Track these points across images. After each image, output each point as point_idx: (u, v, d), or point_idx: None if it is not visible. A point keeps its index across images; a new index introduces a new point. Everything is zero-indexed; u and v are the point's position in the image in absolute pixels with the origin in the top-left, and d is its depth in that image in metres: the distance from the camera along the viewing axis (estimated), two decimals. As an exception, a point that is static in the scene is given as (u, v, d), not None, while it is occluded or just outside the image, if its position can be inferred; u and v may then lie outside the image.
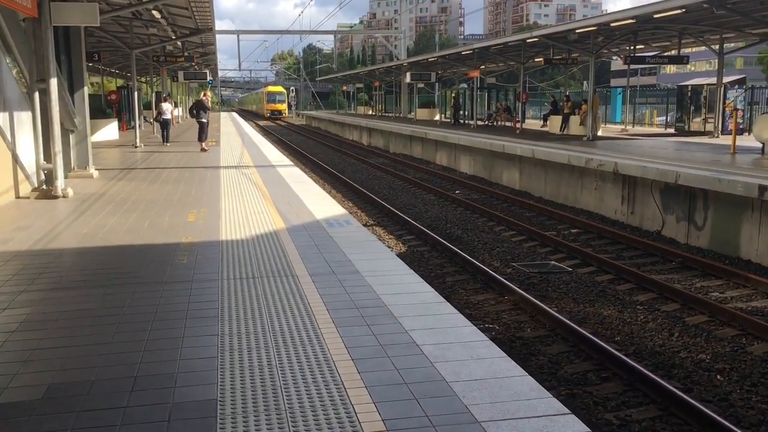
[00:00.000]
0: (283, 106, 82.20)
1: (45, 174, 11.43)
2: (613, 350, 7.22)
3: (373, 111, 60.96)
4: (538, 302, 8.91)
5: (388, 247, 12.39)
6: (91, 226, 8.60)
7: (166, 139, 23.57)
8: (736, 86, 25.17)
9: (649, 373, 6.66)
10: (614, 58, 39.35)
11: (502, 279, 10.03)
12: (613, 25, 19.57)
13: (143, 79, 47.98)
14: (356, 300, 5.29)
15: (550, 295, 9.77)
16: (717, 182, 11.93)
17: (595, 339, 7.56)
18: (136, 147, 21.51)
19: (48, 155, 11.35)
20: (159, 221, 8.95)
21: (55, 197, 10.95)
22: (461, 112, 39.20)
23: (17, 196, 10.99)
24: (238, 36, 51.34)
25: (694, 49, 27.21)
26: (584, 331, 7.82)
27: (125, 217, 9.29)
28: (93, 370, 3.96)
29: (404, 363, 4.00)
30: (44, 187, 11.30)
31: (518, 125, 29.35)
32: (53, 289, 5.72)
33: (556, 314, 8.42)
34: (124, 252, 7.16)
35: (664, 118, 32.68)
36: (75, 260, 6.81)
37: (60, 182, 11.10)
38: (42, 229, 8.42)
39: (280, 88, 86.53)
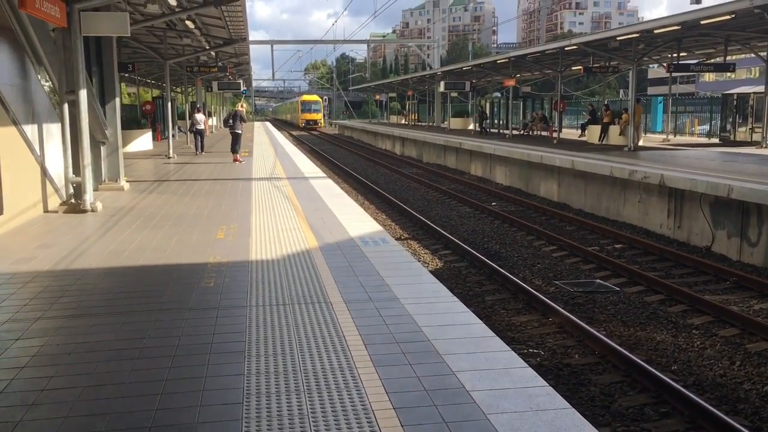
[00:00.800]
0: (319, 116, 79.30)
1: (74, 187, 11.21)
2: (672, 382, 6.62)
3: (405, 120, 60.60)
4: (586, 326, 8.34)
5: (424, 263, 11.92)
6: (117, 243, 8.29)
7: (201, 148, 23.93)
8: (785, 94, 24.13)
9: (714, 410, 6.06)
10: (653, 66, 38.43)
11: (546, 299, 9.47)
12: (656, 32, 18.87)
13: (178, 89, 48.35)
14: (396, 333, 4.82)
15: (598, 317, 9.19)
16: (774, 197, 11.22)
17: (651, 369, 6.97)
18: (169, 158, 21.40)
19: (77, 168, 11.13)
20: (187, 238, 8.61)
21: (84, 211, 10.71)
22: (486, 121, 38.55)
23: (45, 210, 10.78)
24: (272, 46, 51.41)
25: (733, 57, 26.23)
26: (638, 360, 7.24)
27: (153, 233, 8.97)
28: (104, 419, 3.55)
29: (453, 414, 3.51)
30: (73, 200, 11.08)
31: (555, 135, 28.65)
32: (71, 316, 5.36)
33: (606, 339, 7.85)
34: (150, 273, 6.81)
35: (706, 127, 31.69)
36: (97, 282, 6.47)
37: (89, 196, 10.86)
38: (66, 246, 8.13)
39: (315, 97, 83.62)
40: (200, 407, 3.66)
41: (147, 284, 6.39)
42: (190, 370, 4.20)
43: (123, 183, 13.67)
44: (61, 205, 11.11)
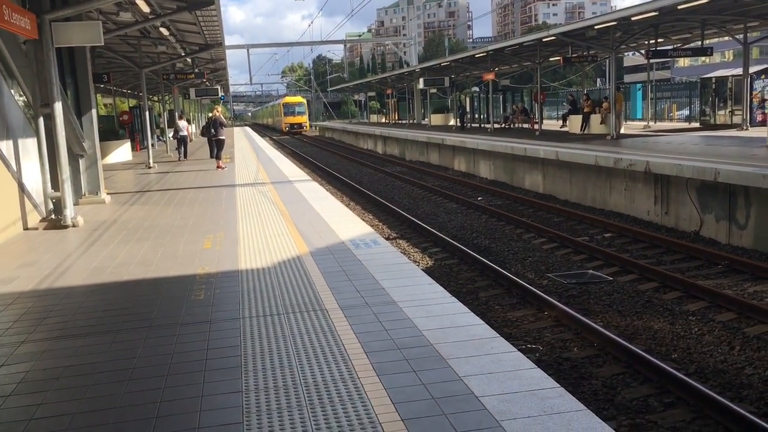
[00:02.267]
0: (304, 119, 71.92)
1: (53, 203, 10.93)
2: (674, 371, 6.53)
3: (386, 119, 60.42)
4: (583, 318, 8.25)
5: (415, 262, 11.78)
6: (101, 259, 8.06)
7: (184, 154, 24.55)
8: (763, 76, 24.29)
9: (719, 397, 5.98)
10: (629, 53, 38.59)
11: (540, 293, 9.37)
12: (634, 19, 18.86)
13: (155, 98, 47.84)
14: (397, 339, 4.67)
15: (593, 308, 9.11)
16: (761, 178, 11.21)
17: (652, 359, 6.87)
18: (149, 167, 21.08)
19: (56, 183, 10.86)
20: (173, 250, 8.39)
21: (65, 227, 10.45)
22: (467, 116, 38.51)
23: (25, 228, 10.50)
24: (248, 50, 51.01)
25: (709, 41, 26.33)
26: (638, 350, 7.15)
27: (138, 246, 8.74)
28: (97, 447, 3.37)
29: (465, 423, 3.36)
30: (53, 216, 10.80)
31: (536, 126, 28.64)
32: (57, 338, 5.15)
33: (604, 331, 7.76)
34: (136, 288, 6.60)
35: (686, 112, 31.83)
36: (82, 300, 6.25)
37: (69, 211, 10.60)
38: (49, 264, 7.89)
39: (299, 98, 76.28)
40: (198, 430, 3.49)
41: (134, 300, 6.18)
42: (185, 389, 4.02)
43: (104, 196, 13.40)
44: (41, 221, 10.83)
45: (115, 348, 4.87)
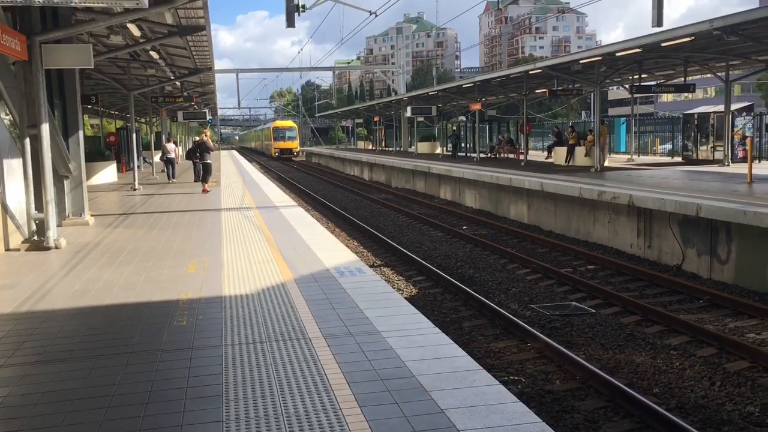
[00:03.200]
0: (295, 144, 68.61)
1: (36, 224, 10.84)
2: (656, 407, 6.55)
3: (373, 146, 60.67)
4: (565, 350, 8.28)
5: (399, 291, 11.78)
6: (83, 282, 7.99)
7: (172, 176, 25.06)
8: (744, 113, 24.75)
9: (700, 434, 6.01)
10: (615, 87, 39.19)
11: (524, 324, 9.40)
12: (618, 54, 19.20)
13: (142, 120, 47.78)
14: (380, 369, 4.66)
15: (576, 340, 9.14)
16: (742, 215, 11.36)
17: (634, 393, 6.90)
18: (135, 189, 20.99)
19: (40, 204, 10.78)
20: (156, 274, 8.34)
21: (47, 249, 10.35)
22: (462, 145, 38.87)
23: (7, 248, 10.39)
24: (237, 74, 51.11)
25: (691, 77, 26.81)
26: (620, 384, 7.17)
27: (120, 270, 8.68)
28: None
29: (445, 457, 3.36)
30: (36, 238, 10.71)
31: (522, 157, 28.89)
32: (36, 363, 5.09)
33: (587, 364, 7.78)
34: (118, 313, 6.54)
35: (669, 146, 32.27)
36: (63, 324, 6.18)
37: (52, 232, 10.51)
38: (30, 286, 7.81)
39: (290, 123, 73.00)
40: (178, 460, 3.46)
41: (115, 325, 6.13)
42: (166, 418, 3.98)
43: (88, 217, 13.31)
44: (23, 242, 10.73)
45: (95, 374, 4.81)
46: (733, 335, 9.05)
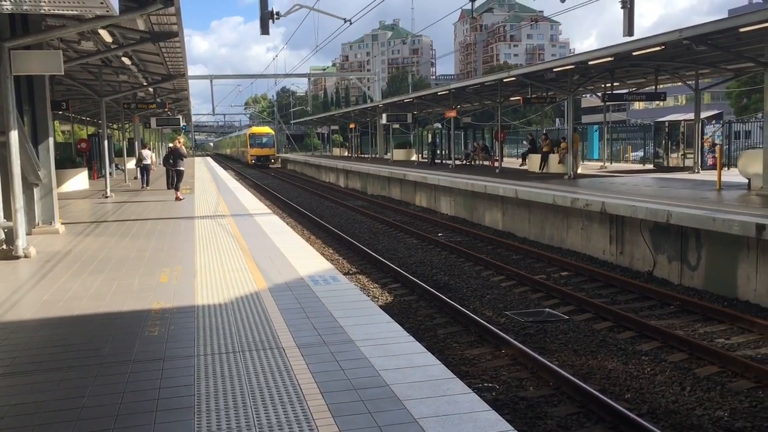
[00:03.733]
0: (272, 151, 67.28)
1: (5, 233, 10.65)
2: (627, 413, 6.63)
3: (348, 152, 60.62)
4: (539, 356, 8.35)
5: (374, 298, 11.78)
6: (52, 292, 7.86)
7: (146, 182, 25.07)
8: (714, 121, 25.21)
9: (670, 439, 6.08)
10: (588, 95, 39.70)
11: (498, 331, 9.46)
12: (591, 63, 19.46)
13: (115, 126, 47.23)
14: (353, 378, 4.65)
15: (549, 346, 9.22)
16: (711, 221, 11.56)
17: (606, 399, 6.98)
18: (106, 197, 20.73)
19: (8, 212, 10.59)
20: (128, 283, 8.24)
21: (17, 258, 10.17)
22: (439, 152, 39.02)
23: (-25, 257, 10.20)
24: (211, 81, 50.78)
25: (662, 86, 27.29)
26: (592, 390, 7.25)
27: (91, 279, 8.56)
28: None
29: (418, 466, 3.36)
30: (4, 246, 10.51)
31: (497, 164, 29.10)
32: (3, 375, 4.99)
33: (560, 370, 7.85)
34: (88, 323, 6.44)
35: (640, 153, 32.73)
36: (31, 335, 6.08)
37: (21, 241, 10.33)
38: (-2, 296, 7.67)
39: (267, 129, 71.55)
40: (148, 473, 3.41)
41: (85, 336, 6.04)
42: (136, 430, 3.93)
43: (58, 226, 13.11)
44: (-9, 251, 10.53)
45: (64, 386, 4.74)
46: (702, 340, 9.20)
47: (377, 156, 48.81)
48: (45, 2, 5.38)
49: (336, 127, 67.52)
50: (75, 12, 8.84)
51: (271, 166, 65.46)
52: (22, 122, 12.00)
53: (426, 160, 40.29)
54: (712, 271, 11.93)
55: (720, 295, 11.54)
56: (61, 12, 9.24)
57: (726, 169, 22.10)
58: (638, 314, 10.53)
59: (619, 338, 9.46)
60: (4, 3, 5.31)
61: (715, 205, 13.30)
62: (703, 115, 24.36)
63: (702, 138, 23.42)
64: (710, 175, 19.70)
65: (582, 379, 7.81)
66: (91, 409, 4.30)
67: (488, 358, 8.77)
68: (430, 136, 41.06)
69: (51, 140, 13.28)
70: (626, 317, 10.09)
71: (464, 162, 35.52)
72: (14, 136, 10.37)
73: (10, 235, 10.50)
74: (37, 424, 4.09)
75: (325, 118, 64.05)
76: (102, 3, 4.34)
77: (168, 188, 22.48)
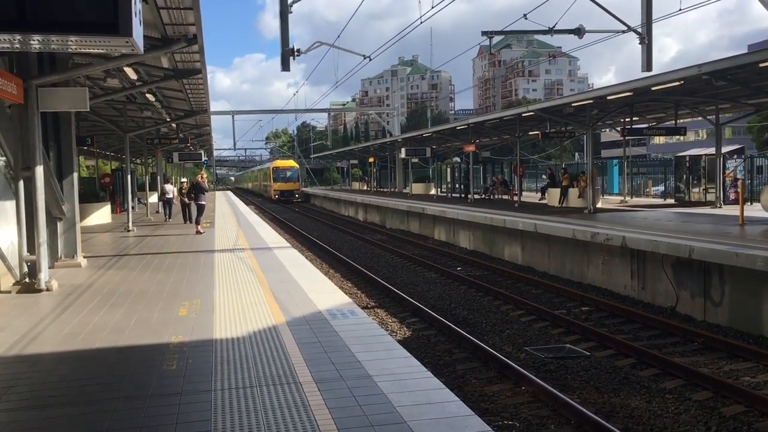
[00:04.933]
0: (297, 185, 63.83)
1: (28, 266, 10.79)
2: (651, 453, 6.47)
3: (367, 186, 60.79)
4: (560, 394, 8.20)
5: (392, 333, 11.71)
6: (73, 325, 7.92)
7: (169, 215, 26.11)
8: (735, 156, 25.03)
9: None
10: (607, 129, 39.65)
11: (518, 367, 9.33)
12: (609, 98, 19.48)
13: (138, 161, 47.95)
14: (370, 415, 4.61)
15: (571, 383, 9.07)
16: (734, 257, 11.40)
17: (630, 439, 6.83)
18: (128, 230, 20.96)
19: (32, 246, 10.74)
20: (147, 316, 8.29)
21: (39, 291, 10.28)
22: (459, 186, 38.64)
23: (-2, 291, 10.33)
24: (233, 116, 51.74)
25: (682, 120, 27.23)
26: (615, 429, 7.11)
27: (112, 312, 8.62)
28: None
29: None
30: (27, 280, 10.64)
31: (516, 198, 29.04)
32: (24, 408, 5.02)
33: (582, 408, 7.71)
34: (108, 356, 6.48)
35: (660, 188, 32.51)
36: (52, 368, 6.12)
37: (44, 275, 10.46)
38: (19, 329, 7.74)
39: (291, 162, 68.14)
40: None
41: (104, 369, 6.06)
42: (153, 466, 3.92)
43: (80, 259, 13.26)
44: (14, 284, 10.65)
45: (83, 420, 4.75)
46: (728, 378, 9.00)
47: (396, 190, 48.96)
48: (72, 41, 5.51)
49: (355, 161, 67.87)
50: (101, 51, 9.06)
51: (295, 201, 62.43)
52: (48, 157, 12.24)
53: (444, 194, 40.30)
54: (737, 308, 11.73)
55: (745, 332, 11.31)
56: (87, 51, 9.48)
57: (749, 204, 21.88)
58: (661, 351, 10.35)
59: (642, 375, 9.29)
60: (32, 43, 5.46)
61: (738, 240, 13.12)
62: (725, 149, 24.20)
63: (724, 173, 23.24)
64: (732, 210, 19.48)
65: (604, 417, 7.66)
66: (108, 445, 4.30)
67: (508, 394, 8.64)
68: (457, 169, 40.77)
69: (75, 175, 13.53)
70: (649, 354, 9.92)
71: (483, 196, 35.50)
72: (39, 171, 10.57)
73: (33, 269, 10.63)
74: (55, 459, 4.09)
75: (345, 152, 64.48)
76: (127, 42, 4.46)
77: (184, 222, 22.75)
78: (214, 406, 4.94)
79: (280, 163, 67.72)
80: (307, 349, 6.47)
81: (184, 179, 28.46)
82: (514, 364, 9.44)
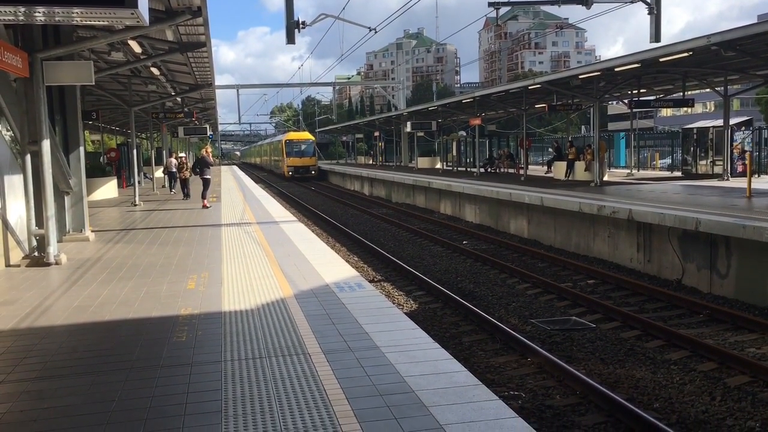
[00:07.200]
0: (313, 160, 55.67)
1: (37, 240, 10.86)
2: (657, 422, 6.53)
3: (373, 161, 60.58)
4: (566, 365, 8.26)
5: (399, 306, 11.77)
6: (83, 298, 8.00)
7: (172, 187, 27.12)
8: (743, 128, 24.83)
9: (700, 449, 5.98)
10: (614, 102, 39.39)
11: (524, 339, 9.39)
12: (617, 70, 19.31)
13: (143, 135, 47.94)
14: (378, 385, 4.66)
15: (576, 355, 9.13)
16: (741, 229, 11.37)
17: (635, 408, 6.88)
18: (135, 205, 21.03)
19: (40, 220, 10.80)
20: (156, 289, 8.35)
21: (48, 264, 10.36)
22: (498, 161, 37.41)
23: (7, 264, 10.40)
24: (237, 90, 51.19)
25: (690, 92, 27.01)
26: (620, 399, 7.16)
27: (120, 285, 8.69)
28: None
29: (444, 472, 3.36)
30: (36, 253, 10.72)
31: (522, 172, 28.97)
32: (35, 379, 5.10)
33: (587, 379, 7.77)
34: (118, 328, 6.55)
35: (668, 161, 32.35)
36: (63, 340, 6.19)
37: (53, 248, 10.53)
38: (30, 302, 7.82)
39: (306, 135, 59.57)
40: (176, 476, 3.46)
41: (115, 341, 6.14)
42: (164, 435, 3.98)
43: (88, 233, 13.33)
44: (23, 258, 10.74)
45: (94, 390, 4.82)
46: (733, 350, 9.04)
47: (402, 164, 48.86)
48: (76, 13, 5.50)
49: (360, 136, 67.60)
50: (105, 23, 9.01)
51: (311, 177, 54.62)
52: (54, 132, 12.25)
53: (450, 168, 40.19)
54: (743, 280, 11.73)
55: (751, 304, 11.33)
56: (91, 23, 9.44)
57: (756, 176, 21.77)
58: (667, 323, 10.39)
59: (648, 347, 9.34)
60: (36, 14, 5.45)
61: (746, 212, 13.08)
62: (733, 121, 23.99)
63: (731, 145, 23.07)
64: (740, 183, 19.39)
65: (609, 387, 7.72)
66: (120, 413, 4.37)
67: (514, 366, 8.71)
68: (492, 145, 39.39)
69: (82, 149, 13.54)
70: (655, 326, 9.95)
71: (488, 169, 35.38)
72: (46, 145, 10.59)
73: (42, 243, 10.70)
74: (68, 428, 4.16)
75: (350, 126, 64.26)
76: (132, 14, 4.44)
77: (183, 198, 22.87)
78: (224, 376, 5.00)
79: (294, 135, 59.22)
80: (315, 321, 6.52)
81: (182, 153, 28.54)
82: (520, 336, 9.50)
